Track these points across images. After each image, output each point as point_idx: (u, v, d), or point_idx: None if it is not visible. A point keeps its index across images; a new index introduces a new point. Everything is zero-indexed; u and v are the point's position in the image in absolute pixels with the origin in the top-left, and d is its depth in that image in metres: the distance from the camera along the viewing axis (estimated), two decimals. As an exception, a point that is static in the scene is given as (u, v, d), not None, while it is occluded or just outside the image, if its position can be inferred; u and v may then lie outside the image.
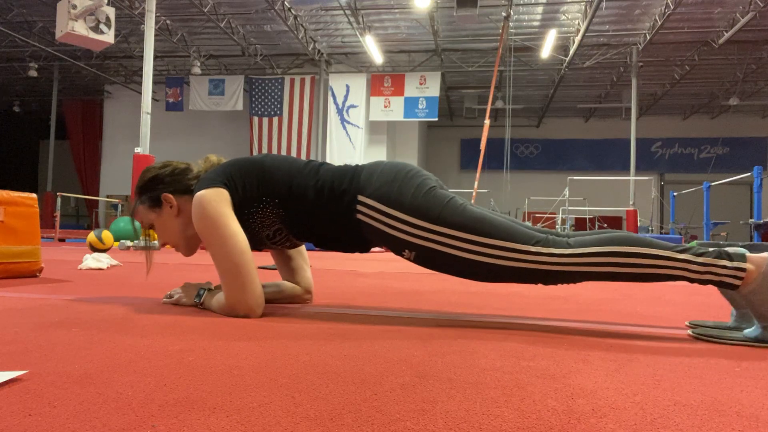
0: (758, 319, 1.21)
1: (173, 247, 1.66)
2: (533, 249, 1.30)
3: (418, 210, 1.37)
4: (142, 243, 1.70)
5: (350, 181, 1.45)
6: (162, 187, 1.59)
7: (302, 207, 1.47)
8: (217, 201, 1.43)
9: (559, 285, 1.36)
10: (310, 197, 1.46)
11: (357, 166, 1.52)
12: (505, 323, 1.47)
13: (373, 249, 8.08)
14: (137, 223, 1.67)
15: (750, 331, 1.23)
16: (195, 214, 1.44)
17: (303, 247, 1.80)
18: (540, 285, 1.35)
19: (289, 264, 1.78)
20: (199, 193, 1.45)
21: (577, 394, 0.79)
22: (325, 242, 1.54)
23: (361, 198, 1.42)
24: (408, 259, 1.43)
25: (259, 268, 3.39)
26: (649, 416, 0.70)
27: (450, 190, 1.45)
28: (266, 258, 4.58)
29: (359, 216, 1.43)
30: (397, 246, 1.42)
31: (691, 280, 1.25)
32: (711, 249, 1.25)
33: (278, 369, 0.90)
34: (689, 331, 1.34)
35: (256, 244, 1.59)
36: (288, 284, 1.75)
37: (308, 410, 0.69)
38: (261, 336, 1.18)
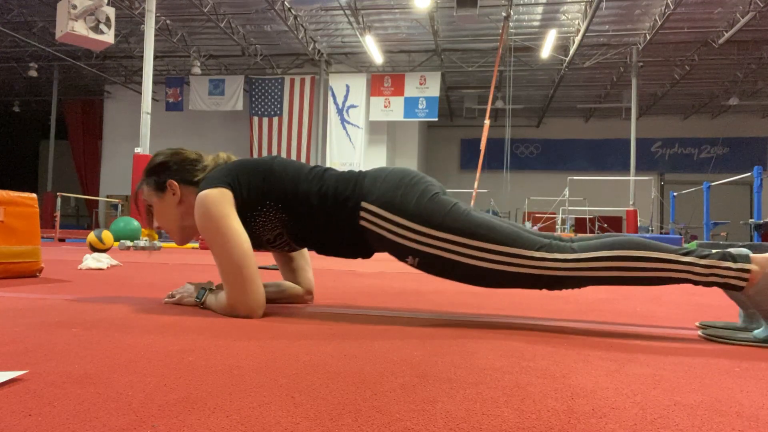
0: (766, 320, 1.21)
1: (167, 232, 1.68)
2: (537, 254, 1.30)
3: (422, 216, 1.36)
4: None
5: (354, 187, 1.44)
6: (168, 174, 1.60)
7: (305, 212, 1.47)
8: (221, 201, 1.43)
9: (564, 290, 1.37)
10: (314, 203, 1.45)
11: (360, 172, 1.51)
12: (505, 323, 1.47)
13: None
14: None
15: (759, 332, 1.23)
16: (198, 214, 1.44)
17: (305, 248, 1.80)
18: (545, 291, 1.36)
19: (290, 265, 1.78)
20: (203, 193, 1.45)
21: (577, 394, 0.79)
22: (326, 248, 1.54)
23: (364, 204, 1.42)
24: (412, 265, 1.43)
25: (260, 268, 3.39)
26: (649, 416, 0.70)
27: (450, 191, 1.45)
28: (268, 258, 4.58)
29: (363, 222, 1.43)
30: (400, 252, 1.42)
31: (696, 283, 1.25)
32: (714, 251, 1.25)
33: (278, 369, 0.90)
34: (699, 332, 1.33)
35: (257, 246, 1.59)
36: (289, 284, 1.75)
37: (308, 410, 0.69)
38: (261, 336, 1.18)
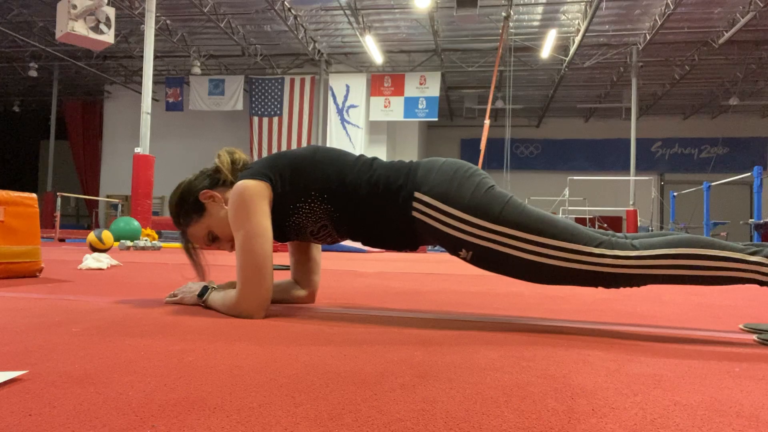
0: None
1: None
2: (597, 251, 1.26)
3: (479, 209, 1.33)
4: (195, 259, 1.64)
5: (406, 177, 1.41)
6: (194, 193, 1.54)
7: (353, 202, 1.43)
8: (258, 194, 1.41)
9: (621, 288, 1.35)
10: (363, 193, 1.42)
11: (412, 162, 1.48)
12: (505, 323, 1.47)
13: (371, 249, 8.06)
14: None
15: None
16: (232, 200, 1.42)
17: (320, 250, 1.78)
18: (600, 288, 1.31)
19: (307, 264, 1.73)
20: (242, 182, 1.42)
21: (577, 394, 0.79)
22: (373, 240, 1.50)
23: (418, 195, 1.38)
24: (464, 259, 1.38)
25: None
26: (649, 416, 0.70)
27: None
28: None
29: (415, 213, 1.39)
30: (454, 245, 1.38)
31: (762, 283, 1.21)
32: None
33: (278, 369, 0.90)
34: (755, 337, 1.29)
35: (300, 238, 1.56)
36: (292, 285, 1.74)
37: (308, 410, 0.69)
38: (261, 336, 1.18)
